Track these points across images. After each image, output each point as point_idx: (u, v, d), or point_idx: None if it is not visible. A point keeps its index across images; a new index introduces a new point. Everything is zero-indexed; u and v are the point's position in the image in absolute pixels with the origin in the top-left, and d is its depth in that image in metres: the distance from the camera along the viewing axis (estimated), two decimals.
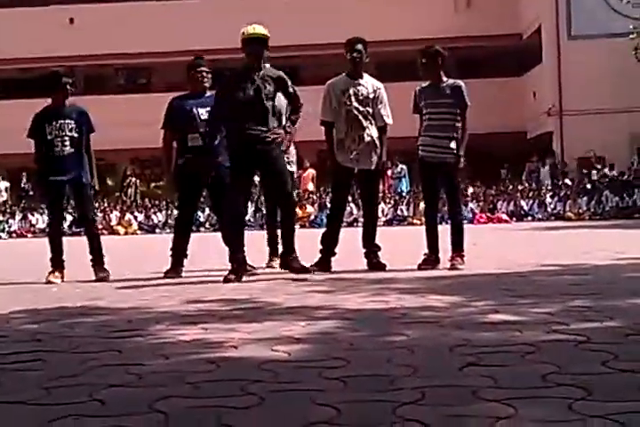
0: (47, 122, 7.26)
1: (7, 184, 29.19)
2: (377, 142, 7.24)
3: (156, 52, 29.83)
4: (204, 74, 7.31)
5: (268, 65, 6.79)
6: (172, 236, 7.52)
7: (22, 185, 29.27)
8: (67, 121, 7.25)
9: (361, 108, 7.19)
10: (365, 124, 7.20)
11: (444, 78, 7.19)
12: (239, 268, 6.49)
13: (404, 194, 26.02)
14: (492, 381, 2.50)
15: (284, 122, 6.86)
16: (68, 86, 7.28)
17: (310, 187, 25.28)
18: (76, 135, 7.25)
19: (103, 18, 30.44)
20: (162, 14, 30.14)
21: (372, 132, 7.23)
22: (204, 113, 7.16)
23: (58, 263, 7.18)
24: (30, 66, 30.76)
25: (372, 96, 7.25)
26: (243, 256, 6.61)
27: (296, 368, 2.83)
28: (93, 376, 2.81)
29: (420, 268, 6.95)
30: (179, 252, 7.26)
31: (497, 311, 4.06)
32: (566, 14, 27.08)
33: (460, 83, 7.19)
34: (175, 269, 7.16)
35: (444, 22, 29.07)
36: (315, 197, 25.30)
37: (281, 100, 6.85)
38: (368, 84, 7.31)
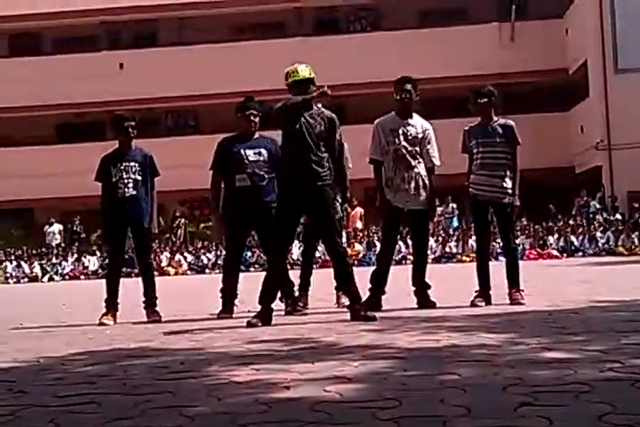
0: (113, 164, 7.39)
1: (60, 227, 29.64)
2: (426, 181, 7.25)
3: (205, 95, 30.25)
4: (252, 117, 7.38)
5: (320, 105, 6.60)
6: (221, 276, 7.55)
7: (75, 228, 29.67)
8: (131, 164, 7.35)
9: (409, 148, 7.22)
10: (414, 163, 7.22)
11: (495, 118, 7.25)
12: (264, 312, 6.34)
13: (451, 231, 25.91)
14: (547, 421, 2.48)
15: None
16: (130, 129, 7.42)
17: (359, 225, 25.29)
18: (139, 178, 7.35)
19: (152, 62, 31.05)
20: (209, 57, 30.61)
21: (420, 170, 7.25)
22: (251, 154, 7.23)
23: (112, 305, 7.25)
24: (82, 110, 31.54)
25: (420, 136, 7.27)
26: (271, 299, 6.46)
27: (349, 409, 2.83)
28: (147, 418, 2.83)
29: (472, 305, 6.92)
30: (228, 292, 7.29)
31: (549, 349, 4.01)
32: (612, 48, 26.97)
33: (511, 122, 7.27)
34: (227, 309, 7.19)
35: (489, 58, 29.15)
36: (363, 235, 25.29)
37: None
38: (417, 124, 7.32)
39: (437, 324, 5.58)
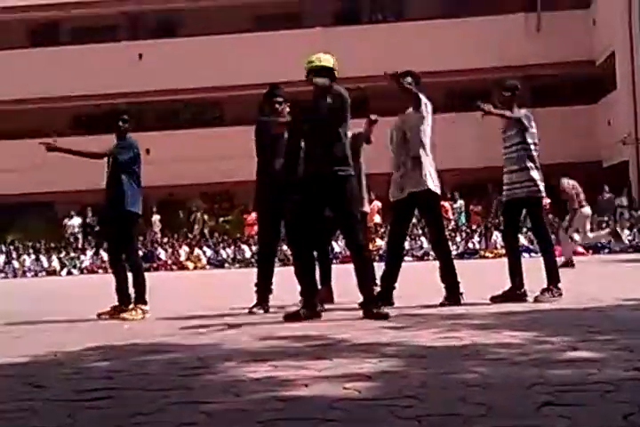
0: None
1: (80, 220, 29.69)
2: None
3: (225, 86, 30.16)
4: (277, 105, 7.19)
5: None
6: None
7: (87, 220, 29.69)
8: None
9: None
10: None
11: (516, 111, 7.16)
12: (307, 303, 6.26)
13: (463, 228, 25.86)
14: (570, 421, 2.43)
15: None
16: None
17: (377, 219, 25.14)
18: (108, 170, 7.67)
19: (171, 53, 30.96)
20: (230, 48, 30.53)
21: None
22: None
23: (124, 300, 7.26)
24: (101, 102, 31.53)
25: None
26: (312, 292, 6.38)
27: (368, 407, 2.79)
28: (165, 414, 2.81)
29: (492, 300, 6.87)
30: (262, 286, 7.20)
31: (574, 348, 3.95)
32: None
33: (520, 113, 7.12)
34: (260, 305, 7.09)
35: (515, 49, 28.85)
36: (386, 229, 25.20)
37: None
38: None
39: (459, 321, 5.53)
